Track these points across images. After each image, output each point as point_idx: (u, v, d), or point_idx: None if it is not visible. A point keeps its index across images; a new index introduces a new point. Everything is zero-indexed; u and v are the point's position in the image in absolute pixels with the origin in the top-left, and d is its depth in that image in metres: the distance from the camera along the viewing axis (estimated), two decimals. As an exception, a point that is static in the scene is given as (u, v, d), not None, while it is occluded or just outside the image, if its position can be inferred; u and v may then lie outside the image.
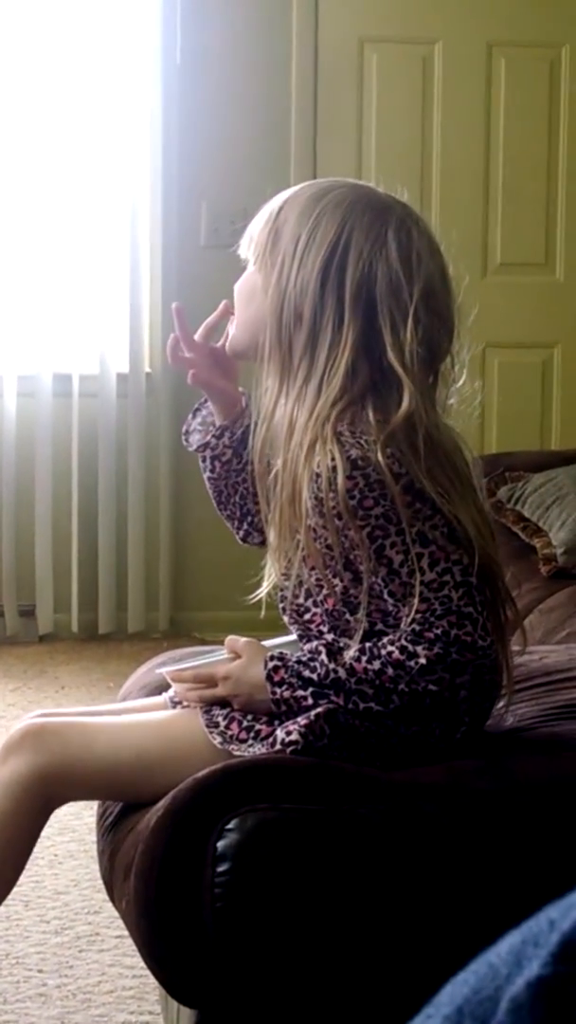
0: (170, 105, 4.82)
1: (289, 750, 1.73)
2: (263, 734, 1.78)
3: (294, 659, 1.78)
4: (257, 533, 2.03)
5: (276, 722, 1.78)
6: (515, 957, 0.57)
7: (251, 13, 4.89)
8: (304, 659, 1.77)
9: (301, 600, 1.85)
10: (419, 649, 1.72)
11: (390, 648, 1.73)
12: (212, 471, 2.03)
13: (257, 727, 1.79)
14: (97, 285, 4.81)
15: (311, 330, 1.79)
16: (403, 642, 1.73)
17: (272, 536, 1.85)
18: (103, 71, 4.76)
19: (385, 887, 1.62)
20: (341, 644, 1.77)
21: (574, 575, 3.37)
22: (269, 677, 1.77)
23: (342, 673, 1.74)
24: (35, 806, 1.82)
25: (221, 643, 1.89)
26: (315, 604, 1.84)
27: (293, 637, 1.89)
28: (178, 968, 1.65)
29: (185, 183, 4.86)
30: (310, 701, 1.75)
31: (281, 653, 1.80)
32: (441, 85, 5.01)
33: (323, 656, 1.76)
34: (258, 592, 1.94)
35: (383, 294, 1.78)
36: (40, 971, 2.53)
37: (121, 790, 1.86)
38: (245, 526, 2.03)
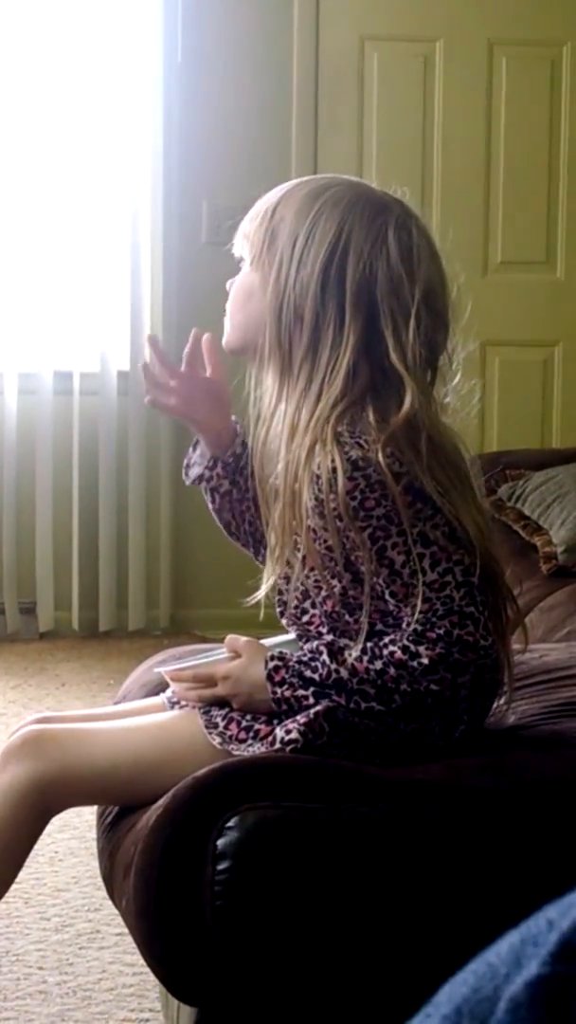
0: (171, 103, 4.82)
1: (289, 749, 1.73)
2: (262, 734, 1.78)
3: (295, 659, 1.78)
4: None
5: (275, 721, 1.78)
6: (514, 957, 0.57)
7: (252, 12, 4.89)
8: (305, 659, 1.77)
9: (300, 602, 1.85)
10: (421, 649, 1.72)
11: (392, 648, 1.73)
12: (214, 502, 1.99)
13: (256, 727, 1.78)
14: (98, 283, 4.81)
15: (312, 332, 1.78)
16: (405, 642, 1.73)
17: (272, 539, 1.84)
18: (104, 70, 4.76)
19: (385, 885, 1.62)
20: (342, 644, 1.77)
21: (574, 573, 3.37)
22: (270, 677, 1.77)
23: (344, 673, 1.74)
24: (32, 814, 1.82)
25: (222, 641, 1.89)
26: (313, 605, 1.84)
27: (292, 636, 1.88)
28: (178, 966, 1.65)
29: (186, 181, 4.86)
30: (311, 701, 1.75)
31: (281, 653, 1.80)
32: (442, 83, 5.00)
33: (324, 656, 1.75)
34: (256, 595, 1.94)
35: (384, 294, 1.77)
36: (40, 968, 2.53)
37: (120, 794, 1.85)
38: (262, 550, 1.96)
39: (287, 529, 1.79)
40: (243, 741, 1.78)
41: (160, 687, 2.03)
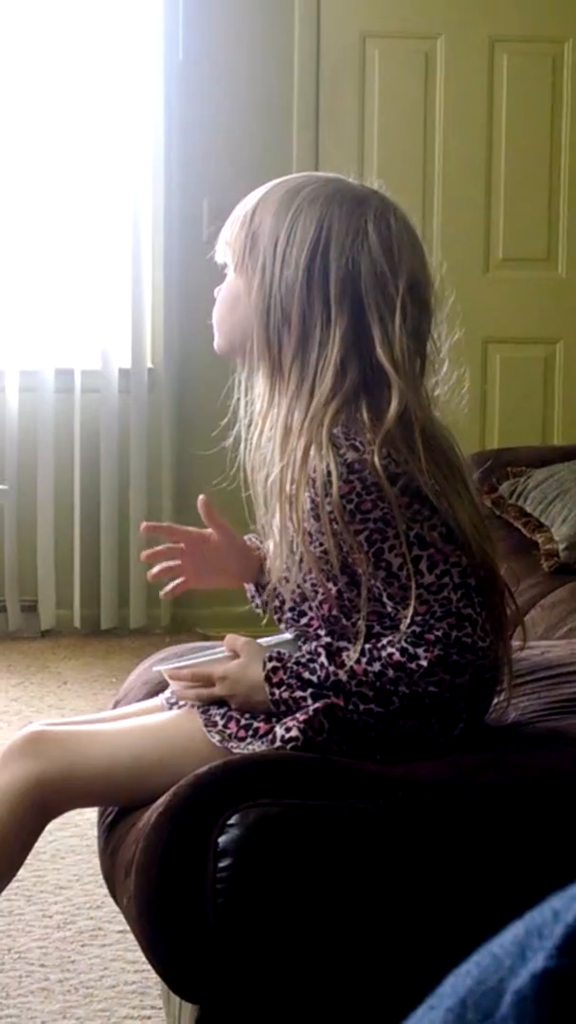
0: (172, 101, 4.81)
1: (289, 746, 1.72)
2: (261, 732, 1.77)
3: (293, 660, 1.77)
4: None
5: (274, 719, 1.78)
6: (519, 949, 0.57)
7: (253, 9, 4.88)
8: (303, 660, 1.76)
9: (298, 603, 1.84)
10: (420, 651, 1.71)
11: (390, 650, 1.72)
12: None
13: (255, 725, 1.78)
14: (99, 281, 4.81)
15: (300, 331, 1.77)
16: (404, 644, 1.72)
17: (271, 544, 1.84)
18: (105, 67, 4.76)
19: (387, 881, 1.62)
20: (340, 645, 1.77)
21: (576, 571, 3.37)
22: (268, 678, 1.77)
23: (343, 676, 1.73)
24: (32, 814, 1.81)
25: (223, 639, 1.89)
26: (311, 608, 1.83)
27: (290, 636, 1.88)
28: (180, 964, 1.65)
29: (187, 179, 4.86)
30: (310, 703, 1.74)
31: (279, 653, 1.79)
32: (443, 80, 5.00)
33: (323, 658, 1.75)
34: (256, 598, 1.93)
35: (369, 288, 1.76)
36: (42, 966, 2.53)
37: (121, 794, 1.85)
38: None
39: (284, 532, 1.79)
40: (243, 739, 1.78)
41: (161, 685, 2.02)
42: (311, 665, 1.75)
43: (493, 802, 1.66)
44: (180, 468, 4.87)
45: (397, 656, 1.72)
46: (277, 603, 1.88)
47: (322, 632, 1.82)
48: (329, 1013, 1.64)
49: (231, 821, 1.61)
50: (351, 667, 1.73)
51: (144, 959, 1.83)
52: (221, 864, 1.60)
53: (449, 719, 1.77)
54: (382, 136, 4.97)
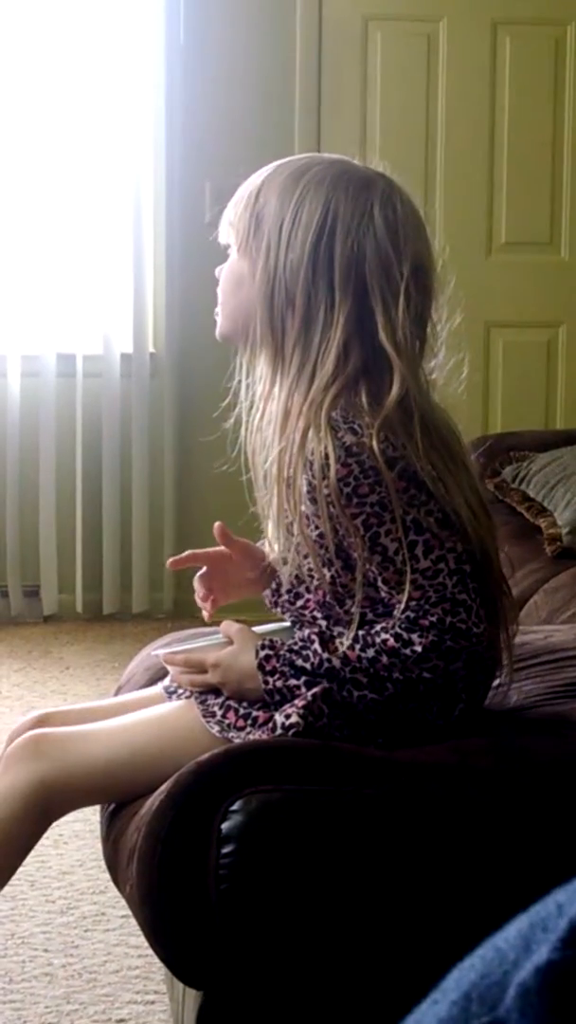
0: (173, 84, 4.80)
1: (291, 733, 1.72)
2: (261, 720, 1.77)
3: (286, 648, 1.76)
4: None
5: (273, 707, 1.77)
6: (523, 942, 0.57)
7: (255, -9, 4.87)
8: (296, 648, 1.76)
9: (295, 586, 1.83)
10: (414, 637, 1.71)
11: (384, 636, 1.72)
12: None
13: (254, 713, 1.78)
14: (101, 265, 4.80)
15: (304, 314, 1.76)
16: (398, 630, 1.71)
17: (270, 526, 1.83)
18: (107, 51, 4.75)
19: (391, 868, 1.62)
20: (334, 632, 1.76)
21: (579, 555, 3.36)
22: (261, 666, 1.76)
23: (336, 662, 1.73)
24: (34, 816, 1.81)
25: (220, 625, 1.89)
26: (308, 590, 1.83)
27: (287, 624, 1.87)
28: (183, 950, 1.65)
29: (188, 162, 4.84)
30: (303, 691, 1.74)
31: (271, 641, 1.79)
32: (445, 63, 4.98)
33: (316, 645, 1.74)
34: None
35: (373, 272, 1.75)
36: (46, 951, 2.53)
37: (123, 790, 1.84)
38: None
39: (282, 515, 1.78)
40: (242, 728, 1.77)
41: (163, 671, 2.02)
42: (304, 652, 1.75)
43: (497, 788, 1.66)
44: (182, 453, 4.87)
45: (391, 642, 1.71)
46: (274, 586, 1.87)
47: (318, 614, 1.81)
48: (332, 1000, 1.64)
49: (234, 807, 1.61)
50: (344, 653, 1.72)
51: (147, 944, 1.83)
52: (224, 850, 1.60)
53: (448, 701, 1.76)
54: (384, 118, 4.96)
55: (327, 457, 1.70)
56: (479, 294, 4.91)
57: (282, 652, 1.76)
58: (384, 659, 1.71)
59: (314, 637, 1.75)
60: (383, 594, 1.74)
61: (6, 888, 2.53)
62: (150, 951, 2.07)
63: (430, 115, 5.00)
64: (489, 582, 1.77)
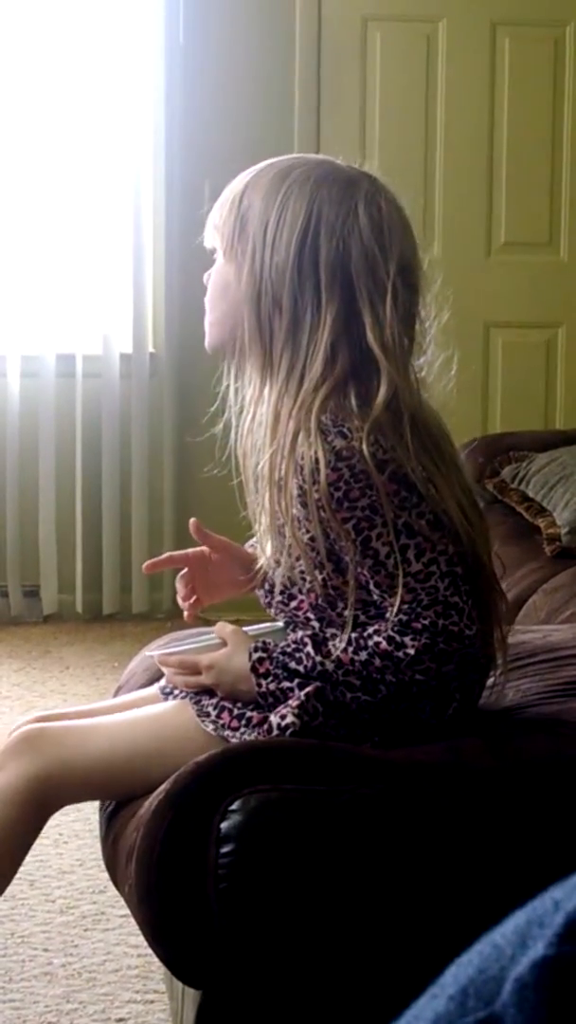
0: (173, 84, 4.80)
1: (287, 733, 1.72)
2: (255, 721, 1.77)
3: (279, 650, 1.76)
4: None
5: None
6: (520, 938, 0.57)
7: (254, -9, 4.87)
8: (289, 650, 1.76)
9: (288, 587, 1.83)
10: (407, 640, 1.71)
11: (377, 639, 1.72)
12: None
13: (248, 714, 1.78)
14: (100, 265, 4.80)
15: (292, 316, 1.75)
16: (391, 633, 1.71)
17: (262, 528, 1.83)
18: (106, 50, 4.75)
19: (389, 867, 1.62)
20: (327, 634, 1.76)
21: (578, 555, 3.37)
22: (254, 669, 1.76)
23: (329, 665, 1.73)
24: (31, 810, 1.81)
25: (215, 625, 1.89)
26: (300, 592, 1.82)
27: (280, 624, 1.87)
28: (182, 949, 1.65)
29: (188, 162, 4.85)
30: (296, 692, 1.74)
31: (264, 643, 1.78)
32: (445, 64, 4.99)
33: (309, 648, 1.74)
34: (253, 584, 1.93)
35: (359, 272, 1.74)
36: (45, 950, 2.53)
37: (119, 787, 1.85)
38: None
39: (274, 517, 1.78)
40: (236, 729, 1.77)
41: (162, 671, 2.03)
42: (297, 655, 1.75)
43: (493, 787, 1.67)
44: (181, 452, 4.87)
45: (384, 645, 1.71)
46: (267, 587, 1.87)
47: (311, 616, 1.81)
48: (331, 999, 1.64)
49: (232, 807, 1.61)
50: (337, 656, 1.72)
51: (147, 944, 1.83)
52: (223, 850, 1.60)
53: (442, 701, 1.76)
54: (383, 119, 4.96)
55: (317, 462, 1.70)
56: (478, 294, 4.91)
57: (275, 655, 1.76)
58: (377, 662, 1.71)
59: (307, 640, 1.75)
60: (375, 597, 1.74)
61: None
62: (149, 950, 2.08)
63: (429, 116, 5.00)
64: (480, 581, 1.77)
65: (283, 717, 1.73)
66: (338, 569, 1.76)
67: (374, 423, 1.71)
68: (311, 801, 1.62)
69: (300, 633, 1.78)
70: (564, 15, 5.03)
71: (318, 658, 1.73)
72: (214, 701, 1.81)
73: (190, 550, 2.00)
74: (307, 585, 1.79)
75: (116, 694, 2.18)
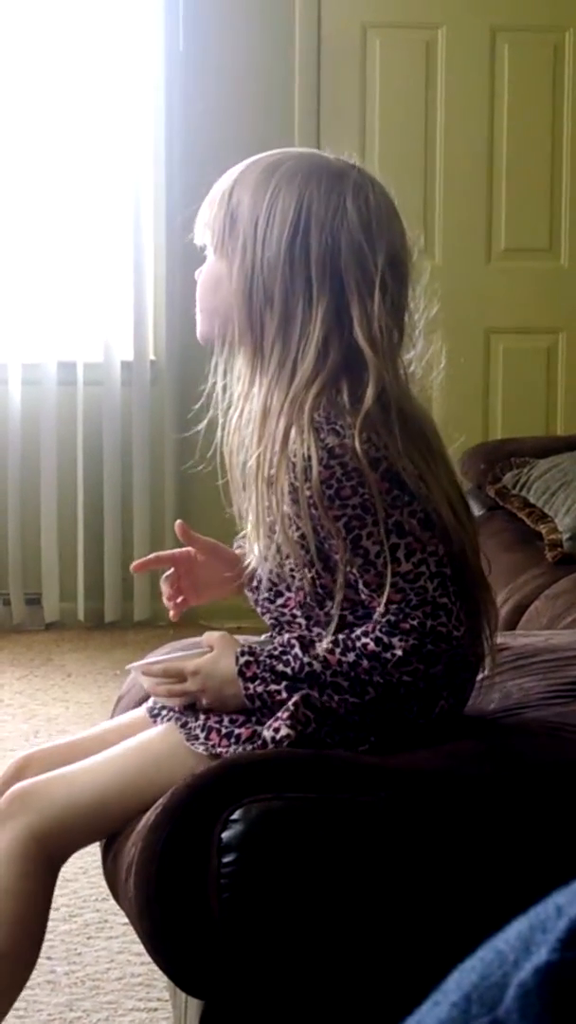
0: (173, 91, 4.81)
1: (284, 745, 1.71)
2: (244, 737, 1.75)
3: (266, 653, 1.75)
4: None
5: (253, 719, 1.75)
6: (523, 943, 0.57)
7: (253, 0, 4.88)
8: (276, 653, 1.74)
9: (276, 584, 1.82)
10: (395, 641, 1.70)
11: (365, 640, 1.71)
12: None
13: (236, 731, 1.76)
14: (101, 273, 4.80)
15: (283, 311, 1.75)
16: (378, 634, 1.70)
17: (250, 526, 1.82)
18: (107, 58, 4.75)
19: (391, 874, 1.62)
20: (314, 635, 1.75)
21: (580, 561, 3.37)
22: (241, 672, 1.74)
23: (317, 666, 1.71)
24: (38, 870, 1.78)
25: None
26: (288, 590, 1.81)
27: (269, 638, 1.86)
28: (184, 960, 1.65)
29: (188, 169, 4.85)
30: (284, 695, 1.72)
31: (251, 647, 1.77)
32: (444, 70, 4.99)
33: (296, 649, 1.73)
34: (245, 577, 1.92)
35: (348, 265, 1.74)
36: (49, 958, 2.53)
37: (119, 822, 1.82)
38: None
39: (263, 515, 1.77)
40: (227, 748, 1.75)
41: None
42: (284, 657, 1.73)
43: (494, 793, 1.66)
44: (182, 459, 4.86)
45: (372, 646, 1.70)
46: (255, 584, 1.86)
47: (298, 613, 1.80)
48: (334, 1007, 1.64)
49: (234, 816, 1.61)
50: (325, 657, 1.71)
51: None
52: (225, 859, 1.60)
53: (429, 702, 1.75)
54: (383, 126, 4.96)
55: (309, 459, 1.69)
56: (479, 301, 4.91)
57: (262, 658, 1.74)
58: (364, 663, 1.70)
59: (294, 642, 1.74)
60: (364, 596, 1.73)
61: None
62: (153, 958, 2.08)
63: (429, 122, 5.00)
64: (467, 578, 1.75)
65: (276, 730, 1.72)
66: (328, 568, 1.75)
67: (365, 419, 1.70)
68: (313, 809, 1.62)
69: (287, 635, 1.77)
70: (563, 21, 5.03)
71: (306, 659, 1.72)
72: (200, 723, 1.78)
73: (176, 550, 2.00)
74: (296, 583, 1.78)
75: (117, 704, 2.18)
